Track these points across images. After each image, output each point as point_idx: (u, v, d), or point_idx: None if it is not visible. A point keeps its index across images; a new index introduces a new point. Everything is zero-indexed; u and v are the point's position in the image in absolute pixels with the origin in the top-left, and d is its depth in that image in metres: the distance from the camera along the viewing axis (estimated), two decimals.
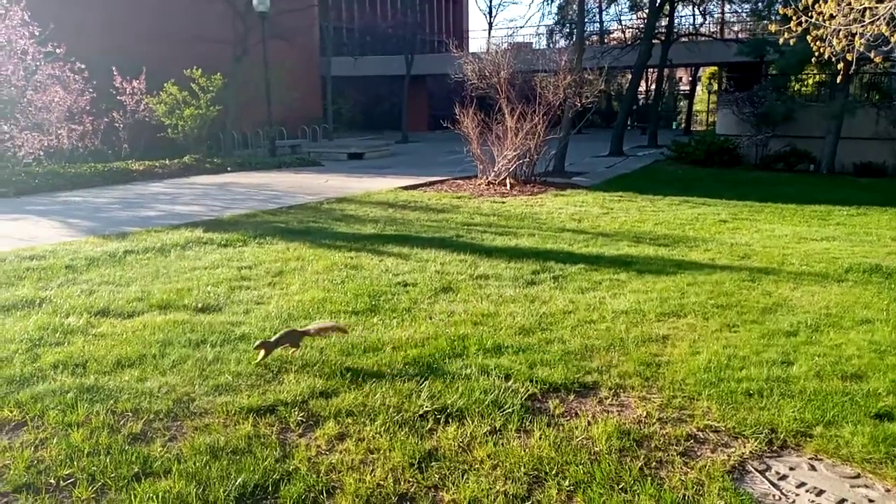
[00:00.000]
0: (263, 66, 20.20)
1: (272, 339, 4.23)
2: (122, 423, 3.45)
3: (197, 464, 3.05)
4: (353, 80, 37.95)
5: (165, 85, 18.68)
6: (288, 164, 18.99)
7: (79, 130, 16.17)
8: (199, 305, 5.34)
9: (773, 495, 2.94)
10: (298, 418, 3.52)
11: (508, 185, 14.24)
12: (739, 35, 33.21)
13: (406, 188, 14.04)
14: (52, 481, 2.95)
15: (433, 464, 3.12)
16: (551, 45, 35.54)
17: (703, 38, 33.17)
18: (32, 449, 3.19)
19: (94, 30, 20.42)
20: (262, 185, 14.47)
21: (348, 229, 9.10)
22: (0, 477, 2.98)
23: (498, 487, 2.93)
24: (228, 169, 16.96)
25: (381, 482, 2.97)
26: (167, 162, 16.38)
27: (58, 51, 14.66)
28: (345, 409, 3.61)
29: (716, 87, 42.92)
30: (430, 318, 5.18)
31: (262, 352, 4.15)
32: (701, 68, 43.43)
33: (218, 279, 6.14)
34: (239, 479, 2.93)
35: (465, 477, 3.01)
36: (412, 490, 2.93)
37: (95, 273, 6.36)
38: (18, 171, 13.79)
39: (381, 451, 3.22)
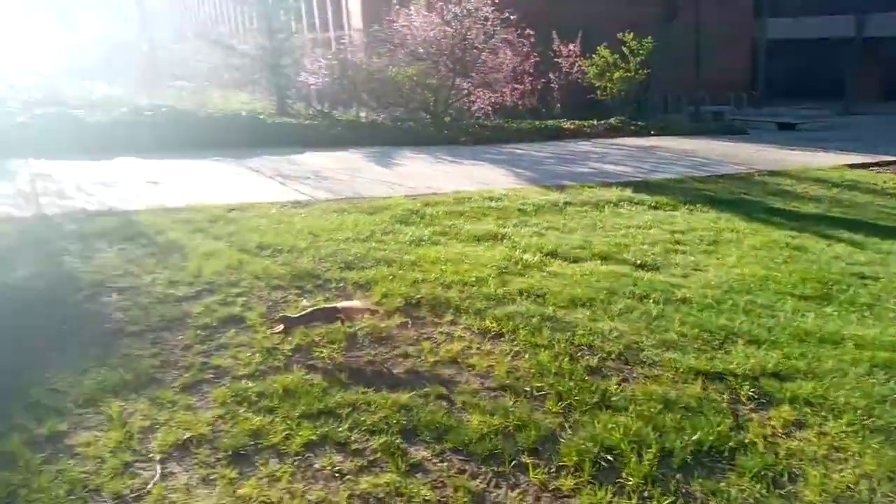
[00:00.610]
0: (693, 29, 19.43)
1: (296, 315, 3.82)
2: (579, 354, 3.81)
3: (651, 410, 3.20)
4: (788, 43, 33.93)
5: (598, 49, 19.40)
6: (711, 131, 18.19)
7: (520, 89, 17.99)
8: (638, 262, 5.53)
9: None
10: (749, 393, 3.41)
11: None
12: None
13: (852, 166, 12.17)
14: (526, 389, 3.43)
15: None
16: None
17: None
18: (510, 357, 3.76)
19: None
20: (686, 150, 14.15)
21: (784, 205, 8.33)
22: (487, 375, 3.58)
23: None
24: (651, 132, 17.02)
25: (852, 485, 2.71)
26: (594, 122, 17.23)
27: (511, 17, 16.39)
28: (802, 397, 3.36)
29: None
30: None
31: (281, 326, 3.77)
32: None
33: (653, 239, 6.27)
34: (694, 436, 2.98)
35: None
36: None
37: (541, 218, 7.09)
38: (472, 123, 16.12)
39: (850, 453, 2.92)
